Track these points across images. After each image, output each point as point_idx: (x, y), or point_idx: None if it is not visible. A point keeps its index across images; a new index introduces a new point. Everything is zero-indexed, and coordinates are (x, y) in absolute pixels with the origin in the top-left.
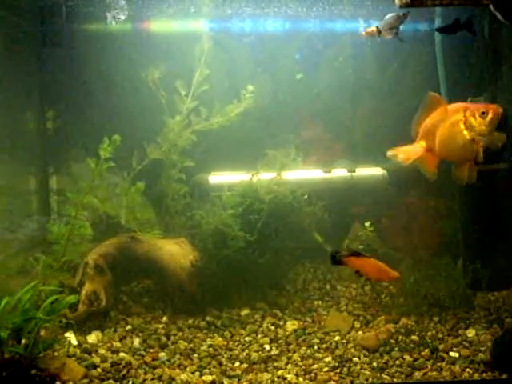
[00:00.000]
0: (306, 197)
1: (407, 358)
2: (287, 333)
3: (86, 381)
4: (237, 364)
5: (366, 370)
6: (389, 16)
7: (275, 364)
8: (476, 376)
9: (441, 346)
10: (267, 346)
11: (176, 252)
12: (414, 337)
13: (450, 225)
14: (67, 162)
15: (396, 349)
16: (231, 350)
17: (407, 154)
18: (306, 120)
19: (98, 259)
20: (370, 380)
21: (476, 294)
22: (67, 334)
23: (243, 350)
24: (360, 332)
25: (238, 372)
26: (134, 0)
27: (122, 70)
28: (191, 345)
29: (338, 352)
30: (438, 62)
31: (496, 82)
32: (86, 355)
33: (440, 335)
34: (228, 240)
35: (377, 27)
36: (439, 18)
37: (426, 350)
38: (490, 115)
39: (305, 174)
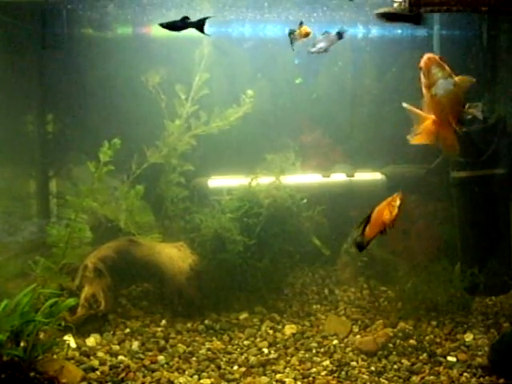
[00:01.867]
0: (304, 201)
1: (405, 362)
2: (285, 337)
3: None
4: (235, 368)
5: (363, 374)
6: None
7: (273, 368)
8: (473, 380)
9: (438, 351)
10: (265, 350)
11: (175, 255)
12: (411, 341)
13: (448, 229)
14: (67, 165)
15: (394, 353)
16: (230, 353)
17: (422, 128)
18: (305, 124)
19: (97, 262)
20: None
21: (474, 298)
22: (66, 337)
23: (242, 354)
24: (358, 336)
25: (237, 376)
26: (134, 5)
27: (122, 74)
28: (190, 348)
29: (336, 356)
30: None
31: (494, 87)
32: (84, 358)
33: (438, 339)
34: (227, 244)
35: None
36: (437, 24)
37: (424, 355)
38: (428, 62)
39: (304, 178)
